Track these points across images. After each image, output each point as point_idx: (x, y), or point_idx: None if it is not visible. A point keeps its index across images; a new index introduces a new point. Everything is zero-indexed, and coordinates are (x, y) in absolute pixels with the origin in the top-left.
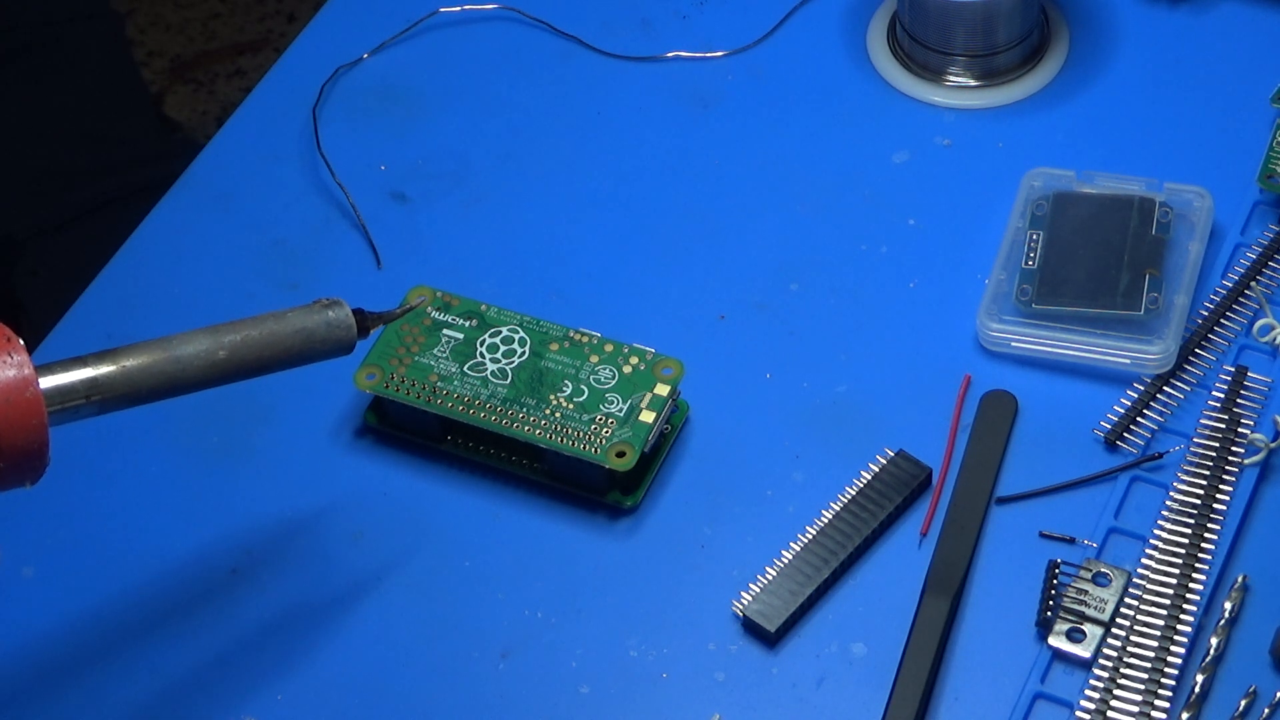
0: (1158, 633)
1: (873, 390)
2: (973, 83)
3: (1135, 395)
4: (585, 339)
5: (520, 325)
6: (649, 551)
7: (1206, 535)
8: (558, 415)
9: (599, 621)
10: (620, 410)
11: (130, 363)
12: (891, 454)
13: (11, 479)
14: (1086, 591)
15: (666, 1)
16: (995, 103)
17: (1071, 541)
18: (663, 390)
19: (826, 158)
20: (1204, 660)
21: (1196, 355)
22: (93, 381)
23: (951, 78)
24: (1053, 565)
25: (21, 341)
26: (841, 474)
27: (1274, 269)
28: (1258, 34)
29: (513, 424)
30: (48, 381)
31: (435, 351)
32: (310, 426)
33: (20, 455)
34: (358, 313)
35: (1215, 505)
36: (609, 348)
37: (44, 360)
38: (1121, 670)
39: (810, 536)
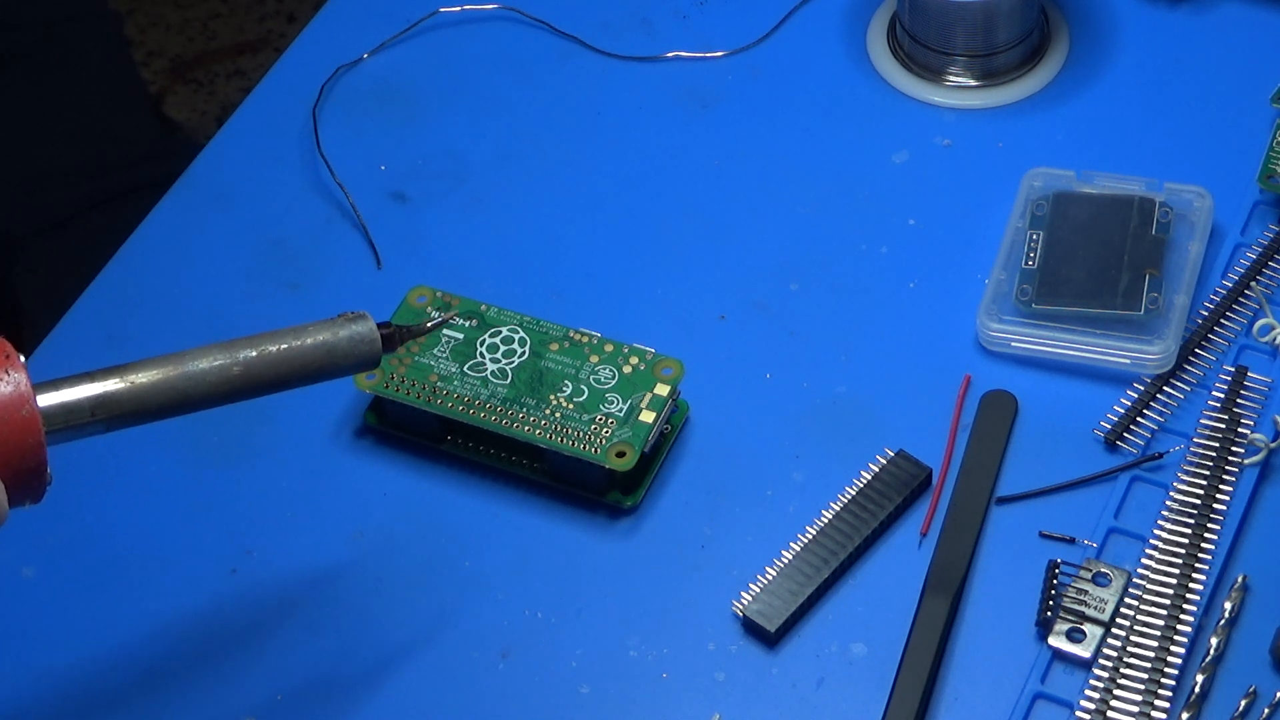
0: (1158, 633)
1: (873, 390)
2: (973, 83)
3: (1135, 395)
4: (585, 339)
5: (520, 325)
6: (649, 551)
7: (1206, 535)
8: (558, 415)
9: (599, 621)
10: (620, 410)
11: (139, 379)
12: (891, 454)
13: (11, 498)
14: (1086, 591)
15: (666, 1)
16: (995, 103)
17: (1071, 541)
18: (663, 390)
19: (826, 158)
20: (1204, 660)
21: (1196, 355)
22: (99, 399)
23: (951, 78)
24: (1053, 565)
25: (22, 359)
26: (841, 474)
27: (1274, 269)
28: (1258, 34)
29: (513, 424)
30: (51, 399)
31: (435, 351)
32: (310, 426)
33: (16, 475)
34: (384, 326)
35: (1215, 505)
36: (609, 348)
37: (45, 364)
38: (1121, 670)
39: (810, 536)
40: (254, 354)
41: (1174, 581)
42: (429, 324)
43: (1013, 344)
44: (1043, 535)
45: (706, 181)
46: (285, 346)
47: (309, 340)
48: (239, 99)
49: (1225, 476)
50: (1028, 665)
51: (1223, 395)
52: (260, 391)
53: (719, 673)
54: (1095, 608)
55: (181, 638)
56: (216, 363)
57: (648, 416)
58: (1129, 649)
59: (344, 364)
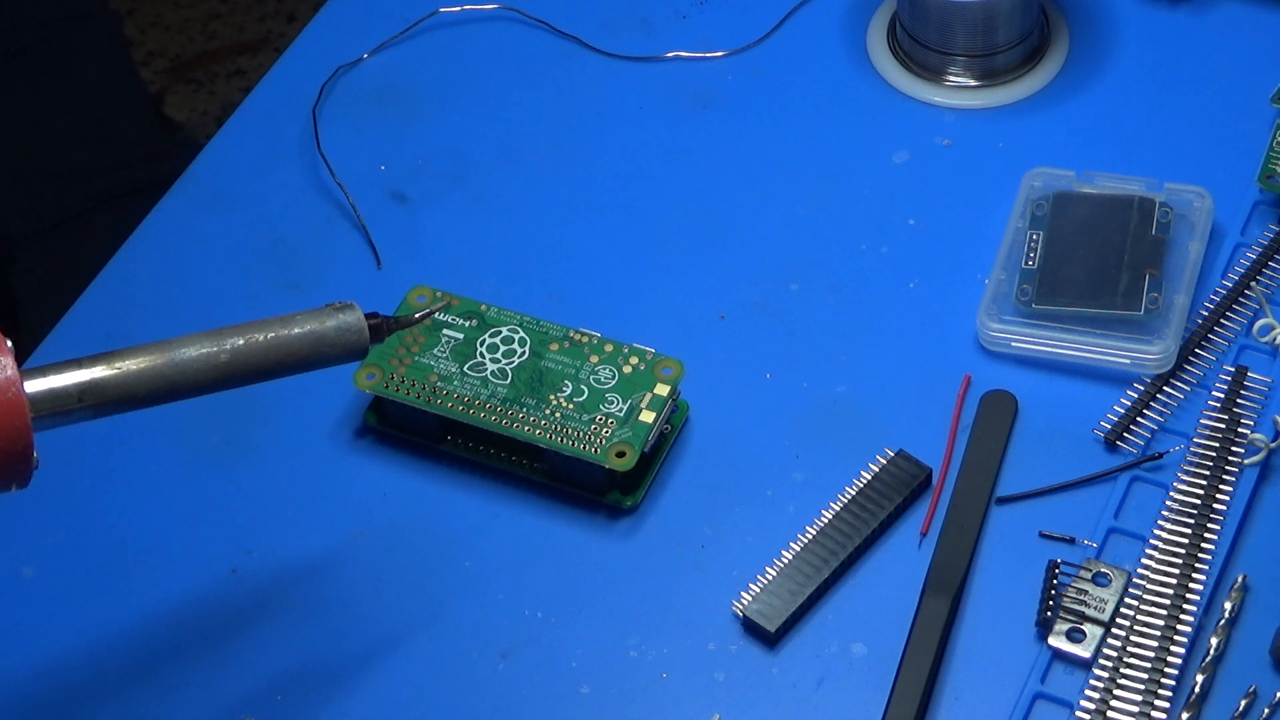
0: (1158, 633)
1: (873, 390)
2: (973, 83)
3: (1135, 395)
4: (585, 339)
5: (520, 325)
6: (649, 551)
7: (1206, 535)
8: (558, 415)
9: (599, 621)
10: (620, 410)
11: (127, 365)
12: (891, 454)
13: None
14: (1086, 591)
15: (666, 1)
16: (995, 103)
17: (1071, 541)
18: (663, 390)
19: (826, 158)
20: (1204, 660)
21: (1196, 355)
22: (87, 385)
23: (951, 78)
24: (1053, 565)
25: (9, 344)
26: (841, 474)
27: (1274, 269)
28: (1258, 34)
29: (513, 424)
30: (39, 385)
31: (435, 351)
32: (310, 426)
33: (2, 458)
34: (372, 316)
35: (1215, 505)
36: (609, 348)
37: (42, 361)
38: (1121, 670)
39: (810, 536)
40: (241, 342)
41: (1174, 581)
42: (418, 315)
43: (1013, 344)
44: (1043, 535)
45: (706, 181)
46: (273, 335)
47: (296, 329)
48: (239, 99)
49: (1225, 476)
50: (1028, 665)
51: (1223, 395)
52: (248, 379)
53: (719, 673)
54: (1095, 608)
55: (181, 637)
56: (204, 350)
57: (648, 416)
58: (1129, 649)
59: (331, 353)
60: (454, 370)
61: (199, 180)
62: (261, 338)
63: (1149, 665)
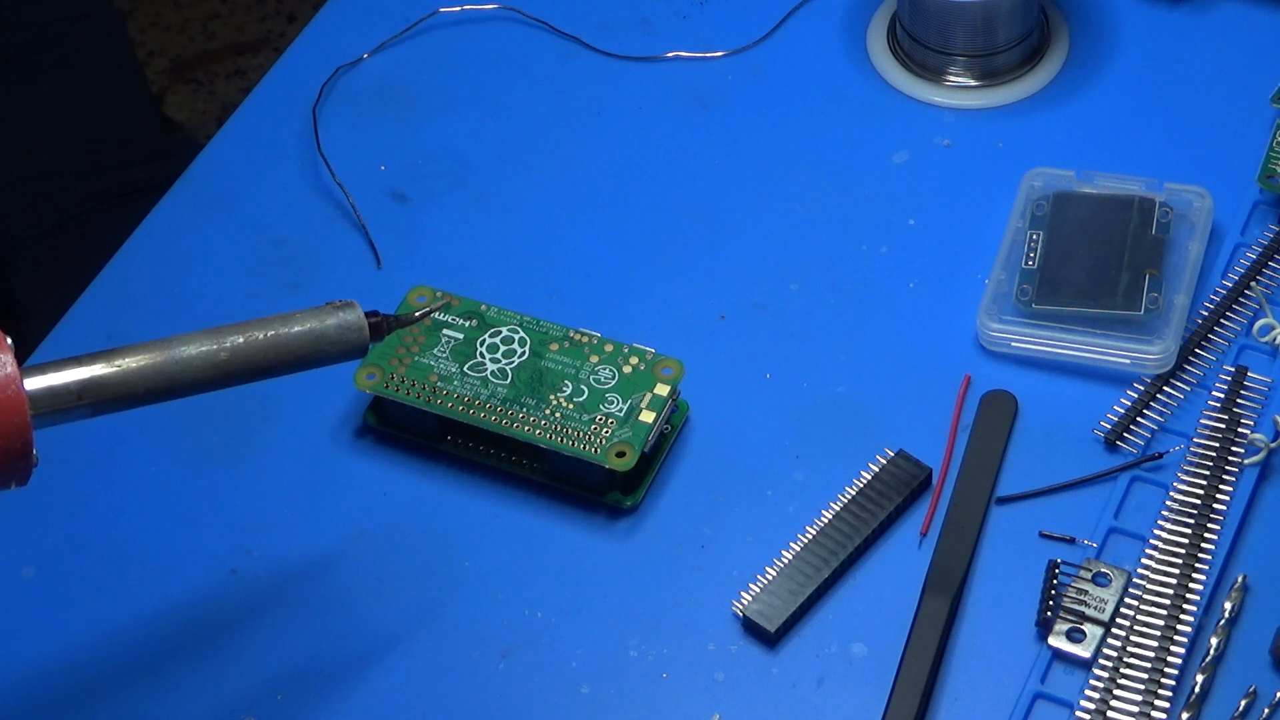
0: (1158, 633)
1: (873, 390)
2: (973, 83)
3: (1135, 395)
4: (585, 339)
5: (520, 325)
6: (649, 551)
7: (1206, 535)
8: (558, 415)
9: (599, 621)
10: (620, 410)
11: (126, 363)
12: (891, 454)
13: None
14: (1086, 591)
15: (666, 1)
16: (995, 103)
17: (1071, 541)
18: (663, 390)
19: (826, 158)
20: (1204, 660)
21: (1196, 355)
22: (86, 382)
23: (951, 78)
24: (1053, 565)
25: (9, 341)
26: (841, 474)
27: (1274, 269)
28: (1258, 34)
29: (513, 424)
30: (38, 382)
31: (435, 351)
32: (310, 426)
33: (2, 455)
34: (372, 315)
35: (1215, 505)
36: (609, 348)
37: (42, 360)
38: (1121, 670)
39: (810, 536)
40: (241, 340)
41: (1174, 581)
42: (418, 314)
43: (1013, 344)
44: (1043, 535)
45: (706, 181)
46: (273, 333)
47: (296, 327)
48: (239, 99)
49: (1225, 476)
50: (1028, 665)
51: (1223, 395)
52: (248, 378)
53: (719, 673)
54: (1095, 608)
55: (182, 637)
56: (204, 348)
57: (648, 416)
58: (1129, 649)
59: (331, 351)
60: (454, 370)
61: (199, 180)
62: (261, 336)
63: (1149, 665)
